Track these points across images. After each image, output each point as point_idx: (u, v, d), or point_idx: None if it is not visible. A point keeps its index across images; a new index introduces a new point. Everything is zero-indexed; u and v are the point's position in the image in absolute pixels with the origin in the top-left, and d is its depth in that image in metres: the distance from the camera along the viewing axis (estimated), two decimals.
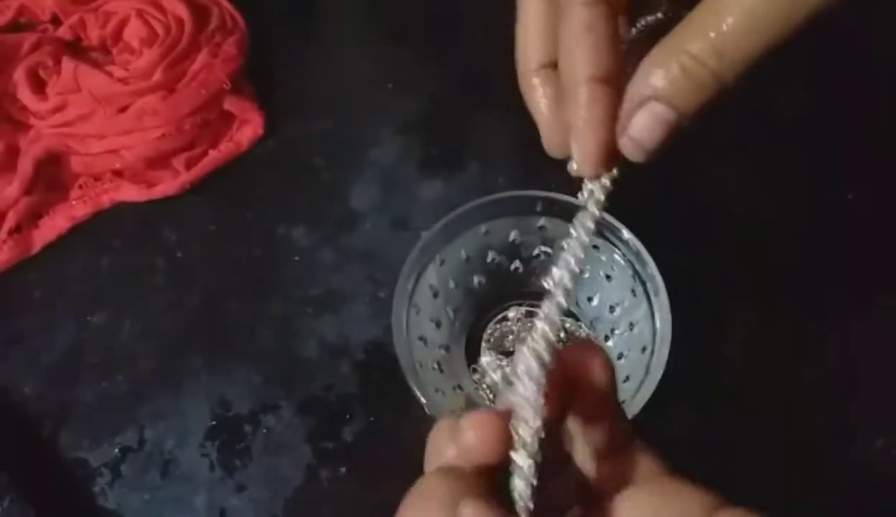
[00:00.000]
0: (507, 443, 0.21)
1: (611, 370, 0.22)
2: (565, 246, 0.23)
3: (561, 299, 0.22)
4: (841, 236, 0.43)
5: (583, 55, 0.23)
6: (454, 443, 0.21)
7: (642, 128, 0.23)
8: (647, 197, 0.35)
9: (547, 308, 0.22)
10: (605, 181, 0.24)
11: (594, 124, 0.23)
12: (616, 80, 0.23)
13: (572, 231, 0.24)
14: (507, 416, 0.21)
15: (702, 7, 0.21)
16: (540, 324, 0.21)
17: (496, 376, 0.37)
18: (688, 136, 0.23)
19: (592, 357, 0.22)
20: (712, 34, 0.21)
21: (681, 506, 0.21)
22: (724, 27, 0.20)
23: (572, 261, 0.23)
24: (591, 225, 0.24)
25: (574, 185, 0.37)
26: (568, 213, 0.36)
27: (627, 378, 0.34)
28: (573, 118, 0.24)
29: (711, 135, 0.45)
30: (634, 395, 0.32)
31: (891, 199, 0.44)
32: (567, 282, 0.22)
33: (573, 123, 0.24)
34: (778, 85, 0.47)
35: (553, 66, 0.25)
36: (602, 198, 0.24)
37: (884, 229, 0.43)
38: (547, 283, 0.23)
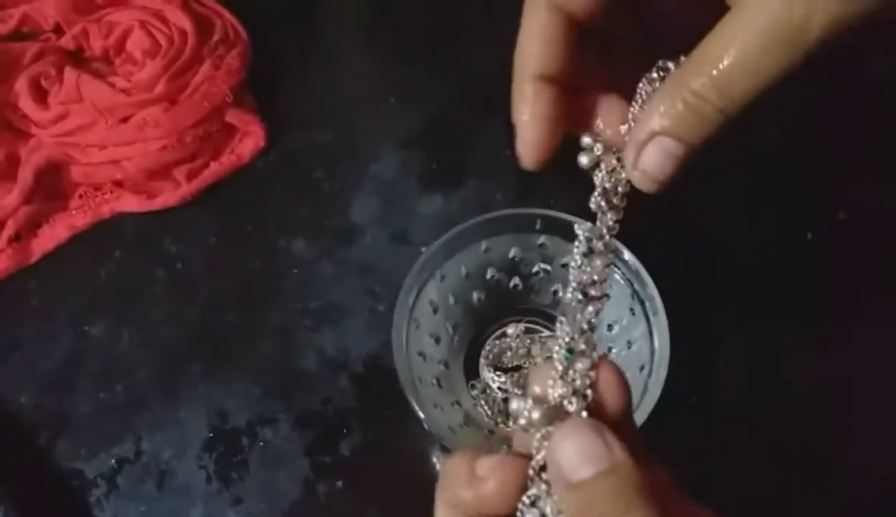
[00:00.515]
0: (524, 489, 0.21)
1: (627, 389, 0.22)
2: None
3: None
4: (833, 255, 0.43)
5: (534, 53, 0.25)
6: (471, 490, 0.21)
7: (652, 161, 0.23)
8: (647, 218, 0.36)
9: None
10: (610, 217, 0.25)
11: (537, 119, 0.24)
12: (565, 83, 0.25)
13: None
14: (524, 462, 0.21)
15: (704, 43, 0.22)
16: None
17: (498, 394, 0.37)
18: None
19: (608, 377, 0.22)
20: (713, 71, 0.21)
21: None
22: (723, 65, 0.21)
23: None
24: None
25: (572, 202, 0.38)
26: (567, 231, 0.36)
27: None
28: (519, 112, 0.25)
29: (711, 158, 0.46)
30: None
31: (880, 218, 0.44)
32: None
33: (518, 118, 0.25)
34: (770, 107, 0.48)
35: (550, 79, 0.26)
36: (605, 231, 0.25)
37: (874, 247, 0.44)
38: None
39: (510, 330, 0.39)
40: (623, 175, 0.25)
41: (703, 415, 0.38)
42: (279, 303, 0.42)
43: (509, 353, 0.38)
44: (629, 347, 0.36)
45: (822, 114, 0.48)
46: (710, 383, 0.39)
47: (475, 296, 0.39)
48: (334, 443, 0.38)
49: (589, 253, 0.24)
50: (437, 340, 0.37)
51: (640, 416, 0.32)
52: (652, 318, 0.34)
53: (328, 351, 0.41)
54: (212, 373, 0.40)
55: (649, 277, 0.34)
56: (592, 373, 0.22)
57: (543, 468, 0.21)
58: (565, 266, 0.38)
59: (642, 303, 0.35)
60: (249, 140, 0.47)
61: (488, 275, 0.38)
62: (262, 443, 0.38)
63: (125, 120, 0.45)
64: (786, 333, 0.41)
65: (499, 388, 0.37)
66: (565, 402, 0.21)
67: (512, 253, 0.38)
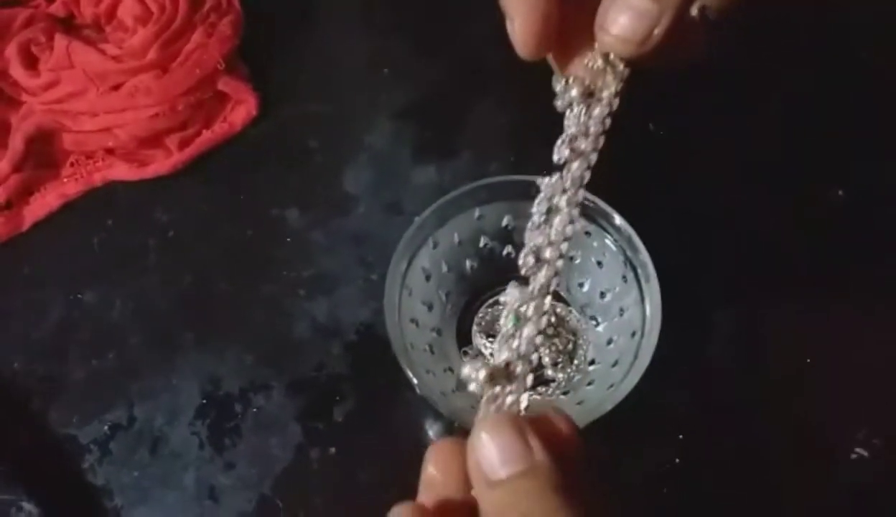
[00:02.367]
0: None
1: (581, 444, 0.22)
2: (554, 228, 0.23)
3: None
4: (829, 229, 0.43)
5: None
6: (422, 481, 0.22)
7: (622, 21, 0.24)
8: (639, 184, 0.36)
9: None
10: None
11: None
12: None
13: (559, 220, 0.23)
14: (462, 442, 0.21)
15: None
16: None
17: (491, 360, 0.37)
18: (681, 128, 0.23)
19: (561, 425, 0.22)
20: None
21: None
22: None
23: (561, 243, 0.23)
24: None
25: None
26: None
27: (616, 362, 0.34)
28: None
29: (703, 128, 0.46)
30: (623, 380, 0.32)
31: (878, 196, 0.44)
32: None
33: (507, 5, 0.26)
34: (773, 80, 0.48)
35: None
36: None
37: (871, 224, 0.44)
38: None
39: (503, 297, 0.39)
40: (597, 110, 0.24)
41: (693, 385, 0.38)
42: (272, 272, 0.42)
43: (502, 321, 0.38)
44: (621, 315, 0.36)
45: (824, 91, 0.47)
46: (700, 350, 0.39)
47: (468, 263, 0.39)
48: (327, 410, 0.38)
49: (549, 212, 0.23)
50: (430, 307, 0.37)
51: (630, 381, 0.32)
52: (644, 285, 0.34)
53: (321, 319, 0.41)
54: (204, 341, 0.40)
55: (642, 244, 0.34)
56: (539, 340, 0.22)
57: None
58: None
59: (635, 269, 0.35)
60: (242, 109, 0.46)
61: (481, 243, 0.38)
62: (254, 410, 0.39)
63: (116, 87, 0.44)
64: (778, 304, 0.41)
65: (491, 355, 0.37)
66: (511, 365, 0.21)
67: (505, 221, 0.38)
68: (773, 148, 0.46)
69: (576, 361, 0.37)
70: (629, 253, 0.35)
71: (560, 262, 0.23)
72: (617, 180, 0.41)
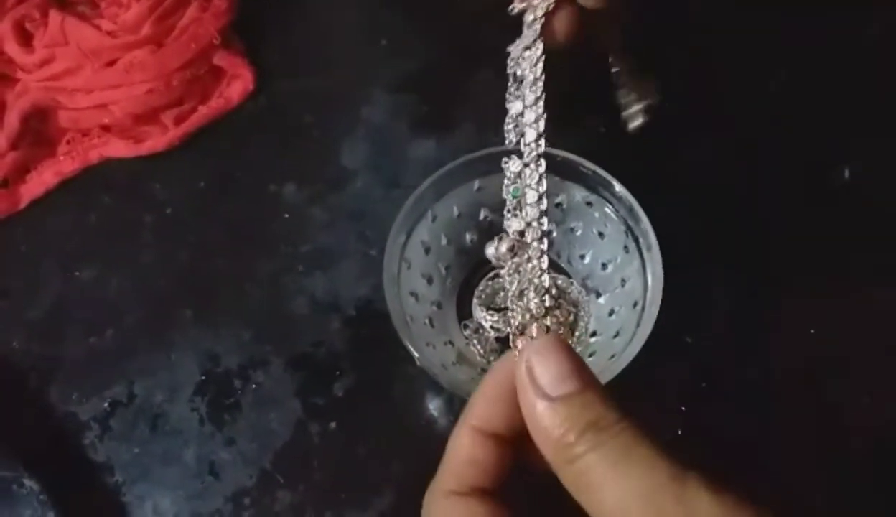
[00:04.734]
0: None
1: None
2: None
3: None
4: (834, 204, 0.43)
5: None
6: None
7: None
8: (640, 153, 0.35)
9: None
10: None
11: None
12: None
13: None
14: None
15: None
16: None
17: (491, 333, 0.37)
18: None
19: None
20: None
21: None
22: None
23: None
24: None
25: (569, 142, 0.37)
26: (562, 169, 0.36)
27: (618, 333, 0.34)
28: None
29: (706, 100, 0.45)
30: (625, 349, 0.32)
31: (883, 175, 0.44)
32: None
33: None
34: (778, 54, 0.47)
35: None
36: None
37: (876, 200, 0.43)
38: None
39: (503, 270, 0.39)
40: None
41: (695, 355, 0.38)
42: (270, 248, 0.42)
43: (502, 294, 0.38)
44: (623, 285, 0.35)
45: (831, 67, 0.46)
46: (703, 323, 0.39)
47: (468, 236, 0.38)
48: (327, 385, 0.38)
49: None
50: (430, 281, 0.37)
51: (631, 351, 0.31)
52: (645, 254, 0.34)
53: (319, 295, 0.41)
54: (202, 318, 0.40)
55: (643, 213, 0.34)
56: (543, 205, 0.24)
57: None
58: (559, 205, 0.37)
59: (636, 239, 0.34)
60: (238, 83, 0.46)
61: (481, 216, 0.38)
62: (254, 386, 0.38)
63: (111, 63, 0.44)
64: (780, 275, 0.40)
65: (491, 327, 0.37)
66: (525, 236, 0.23)
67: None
68: (778, 124, 0.45)
69: (577, 333, 0.37)
70: (630, 222, 0.34)
71: (542, 124, 0.25)
72: (618, 149, 0.40)
